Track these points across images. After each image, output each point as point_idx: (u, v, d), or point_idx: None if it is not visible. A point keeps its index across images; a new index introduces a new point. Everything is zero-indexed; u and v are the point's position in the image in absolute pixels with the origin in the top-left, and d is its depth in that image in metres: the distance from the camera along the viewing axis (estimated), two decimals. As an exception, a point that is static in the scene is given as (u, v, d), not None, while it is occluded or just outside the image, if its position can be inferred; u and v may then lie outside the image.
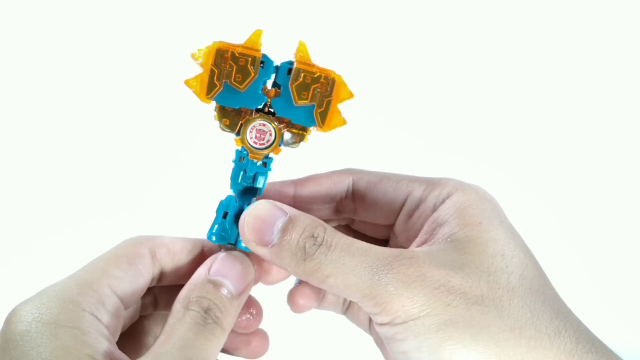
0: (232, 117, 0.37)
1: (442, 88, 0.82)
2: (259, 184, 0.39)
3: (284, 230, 0.35)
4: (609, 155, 0.82)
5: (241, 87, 0.37)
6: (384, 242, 0.42)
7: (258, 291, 0.40)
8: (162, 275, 0.38)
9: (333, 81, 0.37)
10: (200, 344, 0.34)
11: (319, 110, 0.37)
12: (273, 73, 0.37)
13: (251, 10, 0.79)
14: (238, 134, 0.37)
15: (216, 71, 0.36)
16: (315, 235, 0.35)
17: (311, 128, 0.38)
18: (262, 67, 0.37)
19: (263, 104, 0.37)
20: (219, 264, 0.37)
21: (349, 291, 0.34)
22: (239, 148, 0.38)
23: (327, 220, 0.39)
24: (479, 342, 0.33)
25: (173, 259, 0.38)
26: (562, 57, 0.83)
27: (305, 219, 0.35)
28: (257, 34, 0.37)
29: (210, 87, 0.36)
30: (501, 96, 0.82)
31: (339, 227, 0.43)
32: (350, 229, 0.43)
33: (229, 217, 0.38)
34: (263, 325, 0.41)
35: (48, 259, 0.73)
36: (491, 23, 0.83)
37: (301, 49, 0.37)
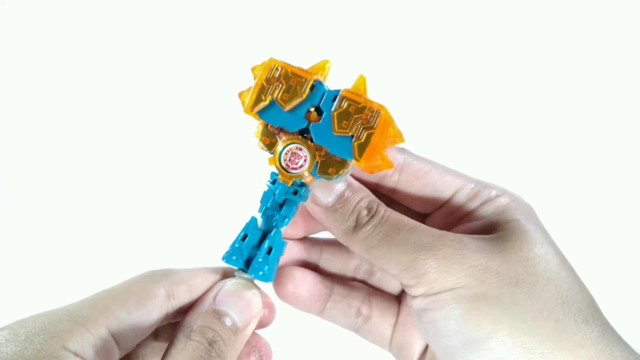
0: (272, 137, 0.37)
1: (461, 92, 0.83)
2: (287, 212, 0.37)
3: (341, 195, 0.36)
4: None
5: (286, 106, 0.36)
6: (423, 216, 0.41)
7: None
8: (179, 313, 0.36)
9: (378, 114, 0.35)
10: None
11: (357, 142, 0.35)
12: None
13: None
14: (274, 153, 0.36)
15: (266, 86, 0.36)
16: (369, 206, 0.36)
17: (349, 161, 0.36)
18: (312, 91, 0.36)
19: (303, 128, 0.36)
20: (224, 293, 0.35)
21: (390, 264, 0.35)
22: (274, 170, 0.37)
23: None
24: (506, 316, 0.34)
25: (193, 294, 0.36)
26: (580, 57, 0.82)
27: (362, 190, 0.37)
28: (324, 63, 0.37)
29: (257, 100, 0.36)
30: (523, 99, 0.83)
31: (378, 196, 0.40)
32: (390, 200, 0.41)
33: (247, 240, 0.37)
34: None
35: (63, 272, 0.73)
36: (509, 23, 0.84)
37: (359, 83, 0.36)
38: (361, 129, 0.35)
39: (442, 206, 0.40)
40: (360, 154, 0.35)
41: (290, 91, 0.36)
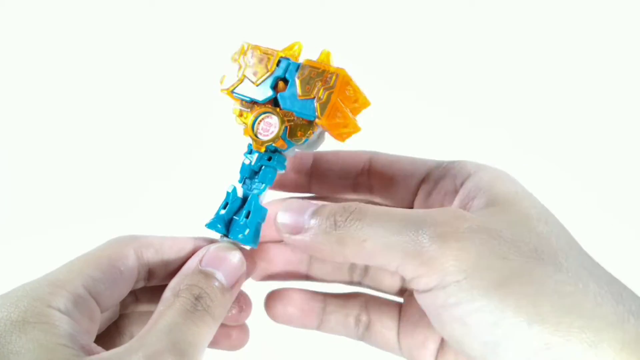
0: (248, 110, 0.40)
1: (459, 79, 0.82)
2: (263, 178, 0.39)
3: (314, 213, 0.35)
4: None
5: (256, 82, 0.39)
6: None
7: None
8: (150, 276, 0.38)
9: (336, 75, 0.37)
10: (188, 329, 0.33)
11: (318, 103, 0.38)
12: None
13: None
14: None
15: (240, 66, 0.40)
16: (345, 207, 0.34)
17: (314, 122, 0.38)
18: (278, 66, 0.39)
19: (272, 98, 0.39)
20: (210, 255, 0.37)
21: (390, 252, 0.32)
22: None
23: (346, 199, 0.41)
24: (543, 295, 0.29)
25: (162, 258, 0.37)
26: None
27: (334, 204, 0.35)
28: (294, 44, 0.40)
29: (231, 79, 0.40)
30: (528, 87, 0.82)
31: None
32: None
33: (228, 208, 0.39)
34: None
35: (43, 256, 0.73)
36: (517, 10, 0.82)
37: (322, 56, 0.39)
38: (322, 90, 0.38)
39: (417, 195, 0.40)
40: (322, 112, 0.37)
41: (259, 67, 0.39)
